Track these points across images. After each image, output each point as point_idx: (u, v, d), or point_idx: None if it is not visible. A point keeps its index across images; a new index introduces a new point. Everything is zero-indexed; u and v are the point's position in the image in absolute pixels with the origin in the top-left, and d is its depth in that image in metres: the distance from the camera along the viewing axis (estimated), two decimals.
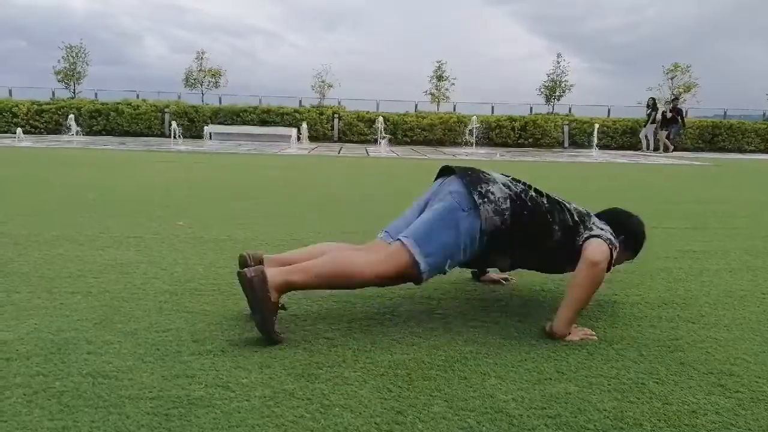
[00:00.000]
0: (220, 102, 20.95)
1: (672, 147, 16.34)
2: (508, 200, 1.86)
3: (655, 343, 1.81)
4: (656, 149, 16.71)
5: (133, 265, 2.55)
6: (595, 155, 14.48)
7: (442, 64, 24.33)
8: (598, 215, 2.10)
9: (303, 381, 1.48)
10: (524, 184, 2.00)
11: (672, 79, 23.75)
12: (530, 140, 18.52)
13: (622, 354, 1.72)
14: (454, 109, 21.38)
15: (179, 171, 7.48)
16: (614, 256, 1.86)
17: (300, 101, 20.99)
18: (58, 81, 23.11)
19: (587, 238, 1.86)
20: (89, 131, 17.50)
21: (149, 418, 1.27)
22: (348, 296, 2.17)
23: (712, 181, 8.25)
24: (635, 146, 17.60)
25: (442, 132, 18.36)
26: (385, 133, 16.75)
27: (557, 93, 24.20)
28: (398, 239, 1.83)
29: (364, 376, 1.52)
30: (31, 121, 17.47)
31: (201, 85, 24.81)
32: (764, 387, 1.52)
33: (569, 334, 1.80)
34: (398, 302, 2.13)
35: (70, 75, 23.25)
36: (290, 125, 17.50)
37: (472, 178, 1.89)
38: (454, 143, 17.92)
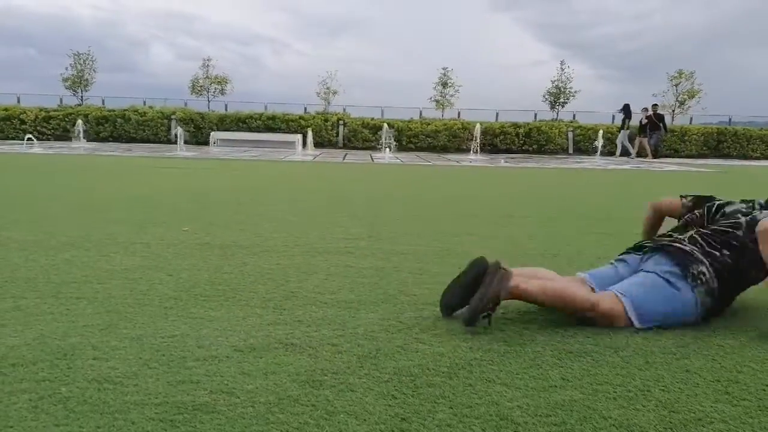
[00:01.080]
0: (226, 109, 21.09)
1: (651, 154, 16.17)
2: (715, 279, 2.00)
3: (661, 351, 1.80)
4: (624, 154, 16.64)
5: (139, 270, 2.56)
6: (599, 162, 14.45)
7: (447, 71, 24.42)
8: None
9: (308, 387, 1.48)
10: (703, 234, 2.14)
11: (677, 86, 23.72)
12: (534, 146, 18.52)
13: (628, 361, 1.71)
14: (459, 116, 21.41)
15: (185, 177, 7.51)
16: None
17: (305, 108, 21.10)
18: (66, 88, 23.34)
19: (756, 220, 2.04)
20: (96, 138, 17.63)
21: (154, 424, 1.27)
22: (353, 303, 2.17)
23: (719, 186, 8.22)
24: (638, 153, 17.57)
25: (447, 138, 18.39)
26: (390, 140, 16.79)
27: (562, 99, 24.21)
28: (612, 291, 2.00)
29: (369, 382, 1.52)
30: (39, 128, 17.61)
31: (207, 92, 24.98)
32: None
33: None
34: (402, 308, 2.13)
35: (77, 82, 23.46)
36: (295, 132, 17.57)
37: (684, 259, 2.03)
38: (459, 150, 17.93)
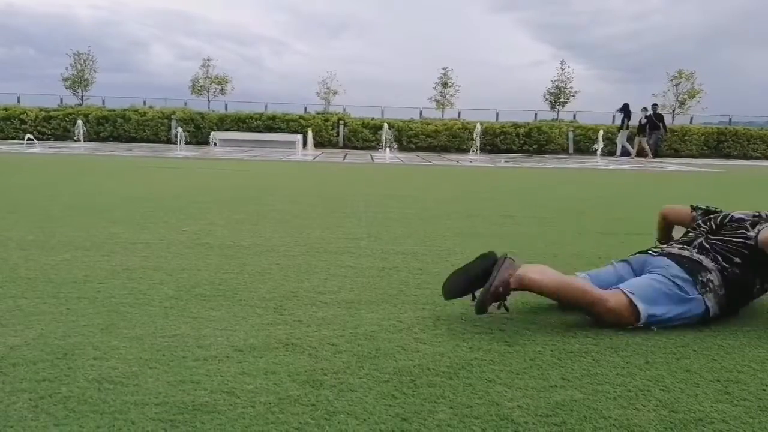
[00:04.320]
0: (226, 109, 21.10)
1: (651, 154, 16.17)
2: (723, 287, 2.02)
3: (662, 350, 1.80)
4: (624, 155, 16.64)
5: (139, 270, 2.56)
6: (599, 162, 14.46)
7: (447, 71, 24.43)
8: None
9: (308, 387, 1.48)
10: (712, 243, 2.15)
11: (677, 85, 23.73)
12: (535, 147, 18.52)
13: (628, 361, 1.71)
14: (459, 116, 21.41)
15: (185, 177, 7.51)
16: None
17: (305, 108, 21.11)
18: (66, 88, 23.38)
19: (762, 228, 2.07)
20: (96, 138, 17.63)
21: (154, 424, 1.27)
22: (353, 303, 2.17)
23: (720, 187, 8.22)
24: (639, 153, 17.56)
25: (447, 138, 18.39)
26: (390, 140, 16.79)
27: (562, 99, 24.23)
28: (619, 289, 1.99)
29: (369, 382, 1.52)
30: (39, 128, 17.62)
31: (207, 92, 25.00)
32: None
33: None
34: (403, 308, 2.13)
35: (77, 82, 23.49)
36: (295, 132, 17.57)
37: (692, 267, 2.04)
38: (459, 149, 17.93)
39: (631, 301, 1.95)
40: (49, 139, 17.22)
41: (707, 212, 2.39)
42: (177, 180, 7.08)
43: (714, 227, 2.25)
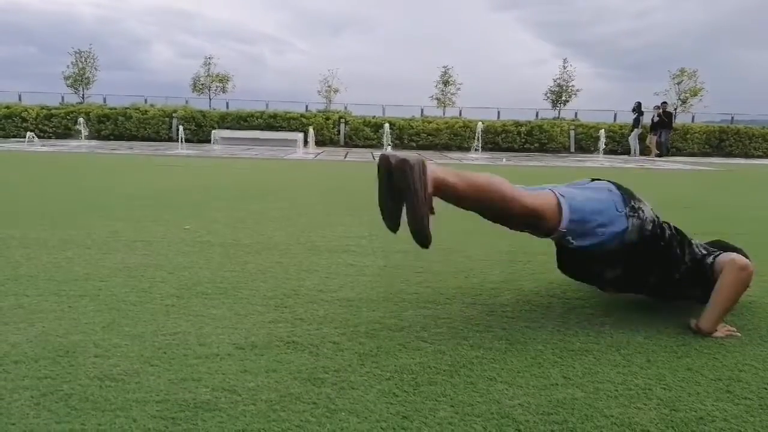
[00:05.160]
0: (228, 107, 21.06)
1: (659, 152, 16.17)
2: (651, 225, 1.97)
3: (663, 349, 1.80)
4: (637, 153, 16.63)
5: (141, 268, 2.56)
6: (601, 160, 14.44)
7: (448, 69, 24.40)
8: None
9: (309, 385, 1.48)
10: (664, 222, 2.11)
11: (679, 84, 23.69)
12: (536, 145, 18.49)
13: (629, 360, 1.71)
14: (460, 114, 21.39)
15: (186, 175, 7.51)
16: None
17: (306, 106, 21.07)
18: (67, 86, 23.35)
19: (717, 255, 2.01)
20: (98, 136, 17.64)
21: (156, 422, 1.28)
22: (354, 301, 2.18)
23: (720, 186, 8.20)
24: (642, 151, 17.54)
25: (448, 137, 18.37)
26: (391, 139, 16.79)
27: (563, 98, 24.20)
28: (551, 190, 1.91)
29: (370, 380, 1.52)
30: (40, 126, 17.63)
31: (209, 90, 24.99)
32: None
33: (716, 331, 1.90)
34: (404, 306, 2.13)
35: (78, 80, 23.47)
36: (297, 130, 17.55)
37: (628, 192, 2.00)
38: (460, 148, 17.92)
39: (558, 202, 1.85)
40: (50, 137, 17.23)
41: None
42: (178, 178, 7.09)
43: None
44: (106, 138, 17.74)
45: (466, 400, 1.42)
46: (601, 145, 16.08)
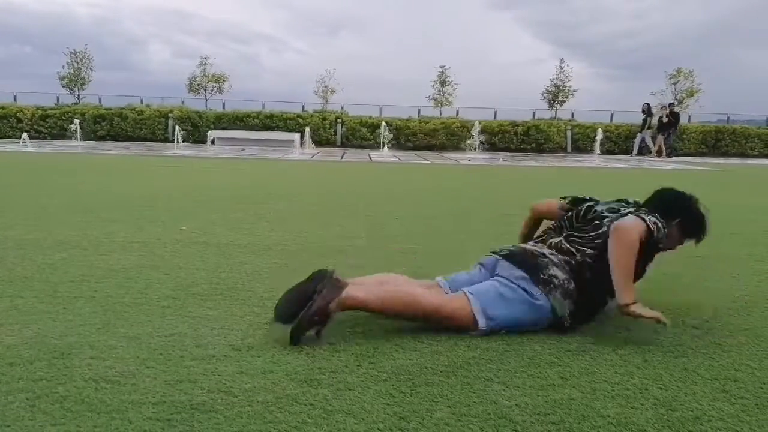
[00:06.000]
0: (224, 107, 21.03)
1: (667, 152, 16.26)
2: (572, 281, 1.91)
3: (659, 349, 1.80)
4: (647, 153, 16.69)
5: (136, 269, 2.55)
6: (597, 160, 14.46)
7: (445, 69, 24.43)
8: (646, 202, 2.15)
9: (305, 386, 1.47)
10: (568, 235, 2.06)
11: (675, 84, 23.77)
12: (533, 145, 18.51)
13: (626, 360, 1.71)
14: (457, 114, 21.40)
15: (182, 176, 7.50)
16: (658, 236, 1.89)
17: (303, 106, 21.05)
18: (63, 86, 23.28)
19: (613, 220, 1.94)
20: (93, 136, 17.58)
21: (152, 423, 1.27)
22: None
23: (716, 185, 8.23)
24: (638, 152, 17.57)
25: (445, 137, 18.37)
26: (388, 139, 16.79)
27: (560, 98, 24.24)
28: (463, 291, 1.91)
29: (367, 381, 1.52)
30: (35, 127, 17.56)
31: (205, 90, 24.95)
32: None
33: (633, 305, 1.81)
34: None
35: (74, 80, 23.40)
36: (293, 130, 17.53)
37: (534, 264, 1.93)
38: (457, 148, 17.93)
39: (470, 304, 1.86)
40: (46, 138, 17.17)
41: (575, 200, 2.27)
42: (174, 179, 7.07)
43: (575, 219, 2.15)
44: (102, 138, 17.69)
45: (463, 401, 1.42)
46: (598, 145, 16.09)
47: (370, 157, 13.23)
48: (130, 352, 1.65)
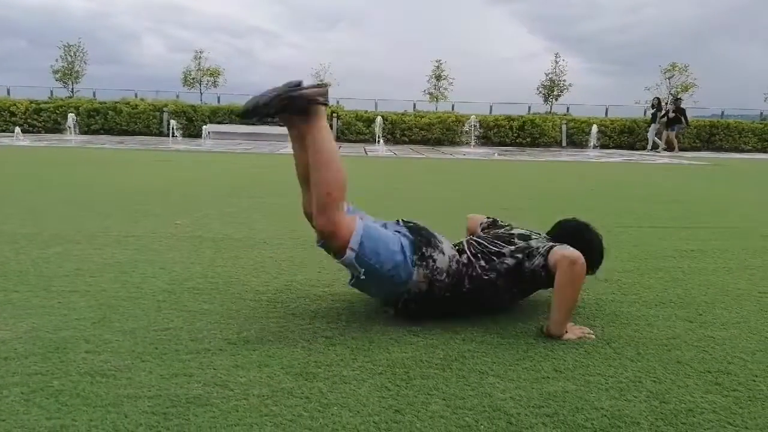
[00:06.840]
0: (219, 101, 20.94)
1: (677, 146, 16.37)
2: (449, 275, 1.87)
3: (653, 342, 1.81)
4: (655, 148, 16.75)
5: (132, 264, 2.55)
6: (592, 154, 14.49)
7: (440, 63, 24.40)
8: (549, 232, 2.15)
9: (301, 380, 1.48)
10: (472, 247, 2.01)
11: (670, 79, 23.82)
12: (528, 140, 18.53)
13: (620, 353, 1.72)
14: (453, 109, 21.38)
15: (177, 170, 7.47)
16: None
17: None
18: (57, 80, 23.14)
19: (549, 249, 1.88)
20: (87, 130, 17.48)
21: (147, 417, 1.27)
22: (346, 295, 2.18)
23: (710, 180, 8.26)
24: (632, 146, 17.61)
25: (441, 131, 18.37)
26: (384, 133, 16.77)
27: (555, 92, 24.27)
28: (358, 217, 1.86)
29: (363, 374, 1.52)
30: (29, 120, 17.44)
31: (199, 84, 24.85)
32: (761, 385, 1.53)
33: (565, 333, 1.81)
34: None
35: (68, 74, 23.26)
36: None
37: (424, 239, 1.91)
38: (453, 142, 17.93)
39: (355, 226, 1.80)
40: (39, 132, 17.06)
41: (494, 221, 2.31)
42: (169, 173, 7.04)
43: (489, 230, 2.20)
44: (96, 132, 17.58)
45: (458, 394, 1.43)
46: (593, 139, 16.12)
47: (365, 151, 13.22)
48: (126, 346, 1.65)
